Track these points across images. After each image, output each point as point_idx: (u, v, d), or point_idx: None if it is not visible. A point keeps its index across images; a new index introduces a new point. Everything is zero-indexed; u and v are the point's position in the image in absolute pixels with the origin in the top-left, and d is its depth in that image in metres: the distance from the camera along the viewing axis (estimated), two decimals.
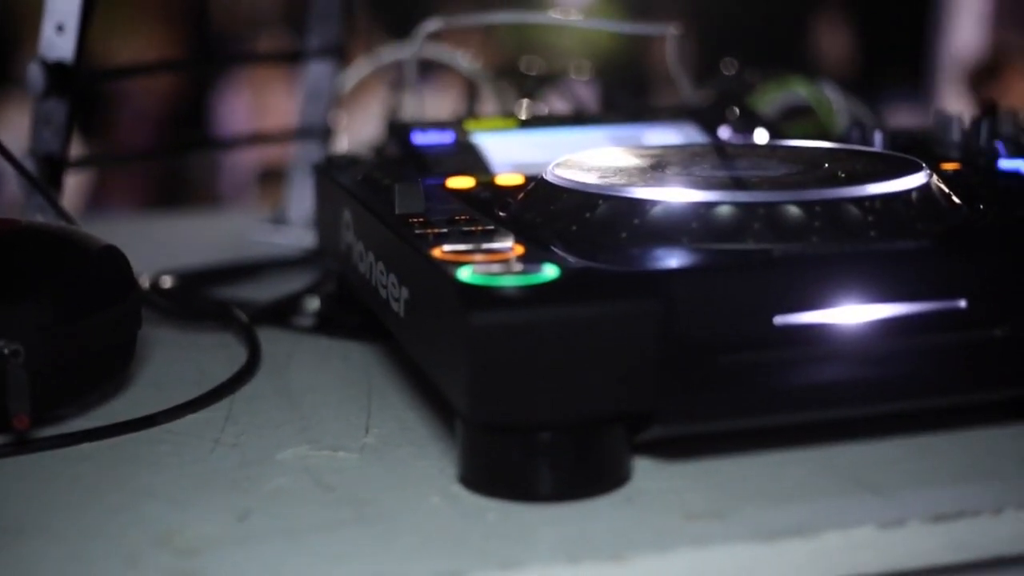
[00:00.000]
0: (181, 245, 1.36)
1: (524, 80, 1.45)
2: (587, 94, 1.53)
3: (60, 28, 1.03)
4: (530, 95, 1.43)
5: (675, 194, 0.73)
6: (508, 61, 1.57)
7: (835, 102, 1.27)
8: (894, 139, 1.01)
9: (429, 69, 1.46)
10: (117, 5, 4.05)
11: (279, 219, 1.37)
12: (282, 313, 1.00)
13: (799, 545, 0.62)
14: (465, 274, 0.65)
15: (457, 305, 0.63)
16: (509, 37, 3.27)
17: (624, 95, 1.44)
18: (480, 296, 0.63)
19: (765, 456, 0.71)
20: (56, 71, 1.03)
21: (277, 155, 1.41)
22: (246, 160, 3.53)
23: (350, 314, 0.97)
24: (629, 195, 0.74)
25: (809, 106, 1.28)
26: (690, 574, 0.61)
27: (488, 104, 1.37)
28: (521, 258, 0.68)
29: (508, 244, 0.71)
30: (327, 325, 0.98)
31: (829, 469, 0.69)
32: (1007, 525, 0.64)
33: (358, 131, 1.40)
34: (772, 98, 1.29)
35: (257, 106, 3.63)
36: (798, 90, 1.28)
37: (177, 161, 3.62)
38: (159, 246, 1.34)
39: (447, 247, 0.70)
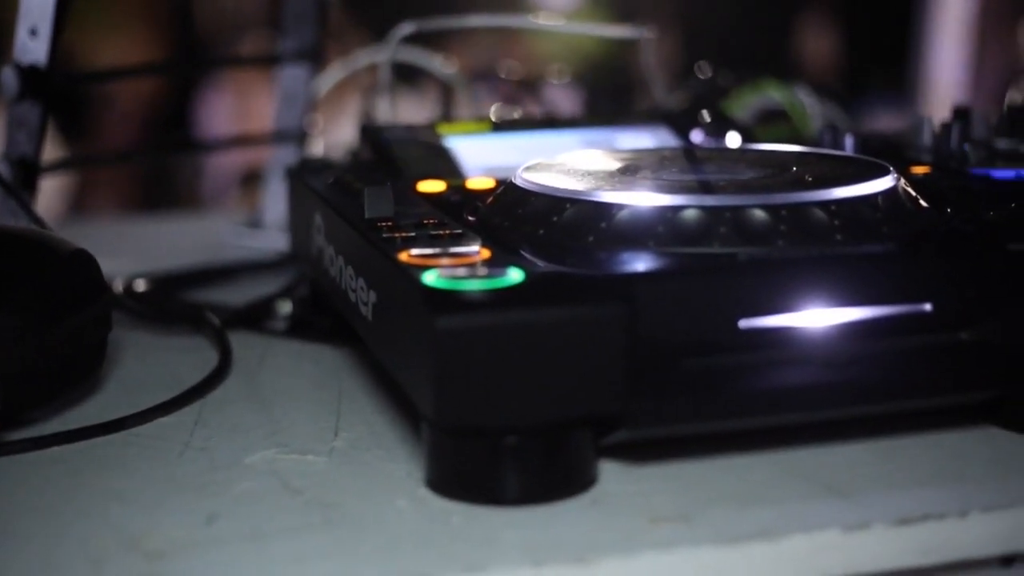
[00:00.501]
0: (158, 248, 1.35)
1: (502, 84, 1.45)
2: (566, 98, 1.54)
3: (33, 32, 1.03)
4: (509, 100, 1.43)
5: (641, 198, 0.73)
6: (489, 66, 1.57)
7: (809, 106, 1.27)
8: (866, 143, 1.01)
9: (413, 74, 1.46)
10: (101, 7, 4.05)
11: (255, 223, 1.37)
12: (255, 317, 1.00)
13: (764, 548, 0.62)
14: (430, 278, 0.65)
15: (422, 308, 0.63)
16: (493, 42, 3.27)
17: (607, 99, 1.45)
18: (444, 300, 0.63)
19: (732, 459, 0.71)
20: (30, 75, 1.03)
21: (260, 158, 1.42)
22: (229, 163, 3.53)
23: (323, 318, 0.97)
24: (596, 199, 0.74)
25: (783, 110, 1.28)
26: None
27: (465, 108, 1.38)
28: (487, 262, 0.68)
29: (475, 248, 0.71)
30: (300, 329, 0.98)
31: (795, 472, 0.69)
32: (973, 528, 0.64)
33: (336, 134, 1.40)
34: (747, 102, 1.29)
35: (240, 109, 3.62)
36: (772, 94, 1.29)
37: (153, 164, 3.61)
38: (136, 249, 1.34)
39: (414, 251, 0.70)
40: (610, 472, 0.69)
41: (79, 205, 3.61)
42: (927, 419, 0.75)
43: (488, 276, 0.65)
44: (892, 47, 4.49)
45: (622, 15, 3.91)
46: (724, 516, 0.64)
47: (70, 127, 3.65)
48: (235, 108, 3.61)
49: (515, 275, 0.66)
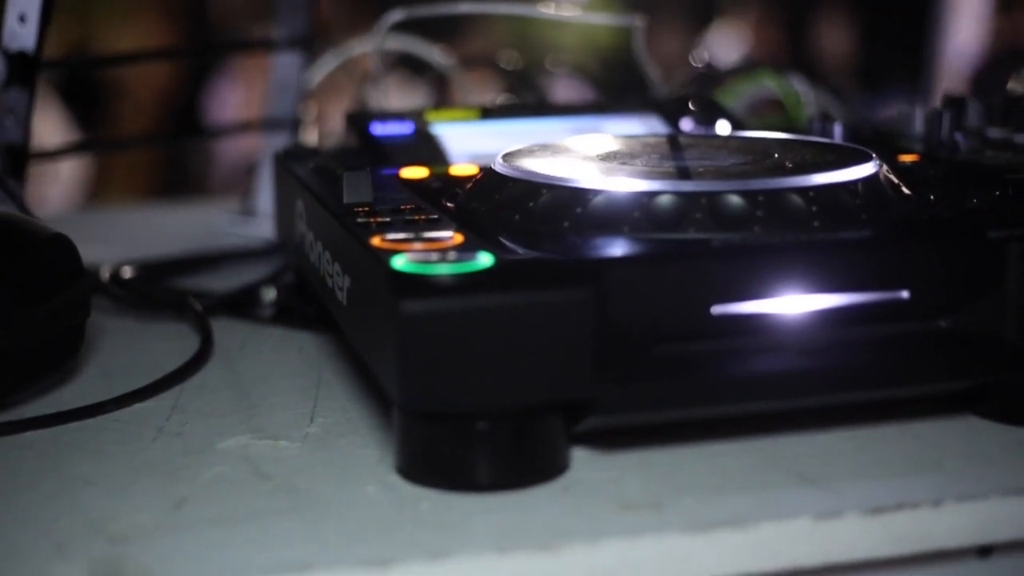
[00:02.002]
0: (152, 235, 1.35)
1: (501, 73, 1.45)
2: (568, 87, 1.53)
3: (22, 18, 1.02)
4: (508, 89, 1.43)
5: (617, 183, 0.73)
6: (490, 55, 1.57)
7: (804, 95, 1.26)
8: (857, 131, 1.01)
9: (419, 62, 1.46)
10: None
11: (247, 210, 1.36)
12: (239, 303, 1.00)
13: (733, 536, 0.61)
14: (399, 262, 0.65)
15: (388, 292, 0.62)
16: (507, 32, 3.27)
17: (616, 89, 1.44)
18: (411, 284, 0.63)
19: (707, 447, 0.70)
20: (18, 61, 1.02)
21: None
22: (240, 151, 3.53)
23: (307, 305, 0.97)
24: (571, 184, 0.74)
25: (778, 99, 1.27)
26: (621, 565, 0.60)
27: (462, 97, 1.37)
28: (458, 247, 0.68)
29: (447, 233, 0.70)
30: (284, 315, 0.98)
31: (770, 460, 0.69)
32: (946, 518, 0.64)
33: (333, 123, 1.39)
34: (742, 91, 1.28)
35: (251, 98, 3.62)
36: (767, 83, 1.28)
37: (152, 150, 3.63)
38: (131, 236, 1.34)
39: (388, 236, 0.70)
40: (583, 459, 0.69)
41: (96, 193, 3.62)
42: (905, 408, 0.74)
43: (457, 261, 0.65)
44: (909, 38, 4.47)
45: (636, 4, 3.90)
46: (695, 504, 0.64)
47: (85, 114, 3.66)
48: (246, 97, 3.61)
49: (485, 260, 0.65)
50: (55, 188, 3.23)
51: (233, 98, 3.74)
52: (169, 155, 3.81)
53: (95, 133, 3.65)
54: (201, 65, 3.76)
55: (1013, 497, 0.64)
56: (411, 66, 1.53)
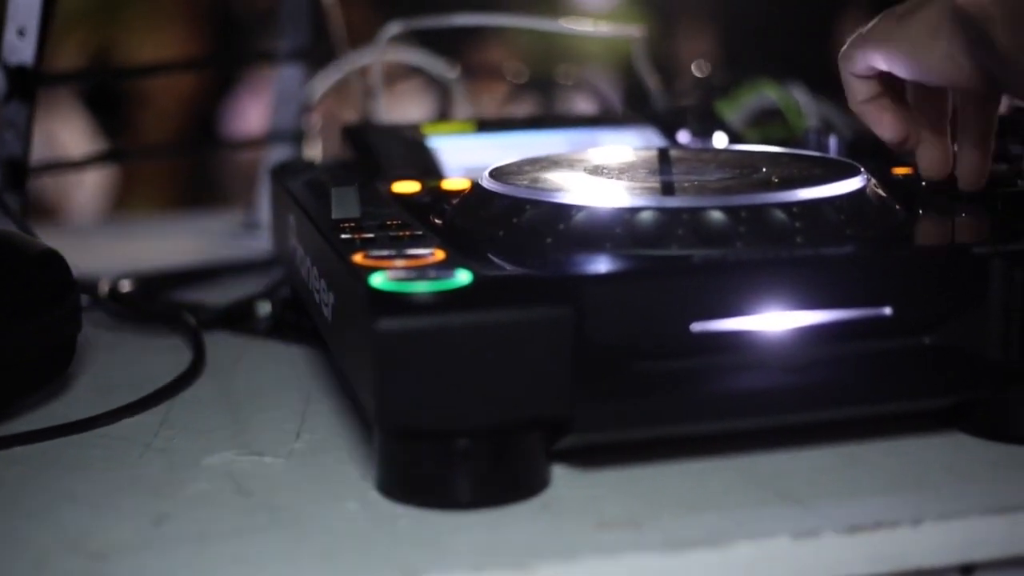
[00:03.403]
0: (159, 247, 1.36)
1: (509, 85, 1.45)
2: (578, 99, 1.53)
3: (21, 32, 1.03)
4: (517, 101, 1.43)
5: (600, 199, 0.73)
6: (497, 67, 1.57)
7: (805, 105, 1.26)
8: (854, 143, 1.00)
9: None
10: (141, 6, 4.07)
11: (250, 223, 1.37)
12: (234, 317, 1.00)
13: (709, 555, 0.61)
14: (377, 280, 0.65)
15: (366, 310, 0.62)
16: (521, 44, 3.27)
17: (634, 100, 1.44)
18: (388, 302, 0.63)
19: (688, 465, 0.70)
20: (17, 75, 1.03)
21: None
22: (259, 162, 3.53)
23: (303, 319, 0.97)
24: (554, 200, 0.74)
25: (779, 110, 1.27)
26: None
27: (471, 108, 1.37)
28: (438, 264, 0.68)
29: (428, 250, 0.70)
30: (279, 330, 0.98)
31: (750, 479, 0.68)
32: (926, 537, 0.63)
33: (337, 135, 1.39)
34: (743, 102, 1.28)
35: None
36: (768, 93, 1.28)
37: (166, 161, 3.64)
38: (140, 247, 1.35)
39: (371, 252, 0.70)
40: (563, 476, 0.69)
41: (120, 201, 3.64)
42: (887, 425, 0.74)
43: (436, 278, 0.65)
44: None
45: (661, 13, 3.90)
46: (673, 522, 0.64)
47: (109, 123, 3.67)
48: (266, 107, 3.62)
49: (463, 277, 0.65)
50: (79, 196, 3.25)
51: (254, 109, 3.75)
52: (191, 165, 3.83)
53: (119, 142, 3.66)
54: (224, 76, 3.76)
55: (995, 515, 0.64)
56: (424, 77, 1.53)
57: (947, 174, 0.84)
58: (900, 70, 0.79)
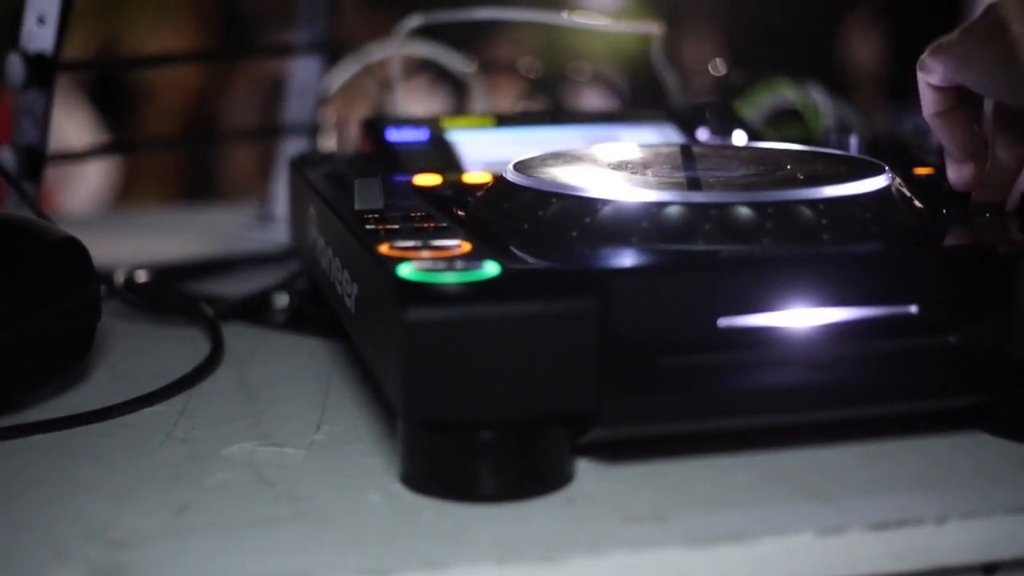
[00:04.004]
0: (172, 238, 1.35)
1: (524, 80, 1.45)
2: (591, 95, 1.53)
3: (41, 20, 1.03)
4: (531, 96, 1.43)
5: (626, 193, 0.72)
6: (512, 62, 1.57)
7: (822, 105, 1.26)
8: (874, 143, 1.00)
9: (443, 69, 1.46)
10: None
11: (265, 215, 1.36)
12: (252, 309, 1.00)
13: (734, 551, 0.61)
14: (405, 270, 0.65)
15: (394, 300, 0.62)
16: (533, 39, 3.27)
17: (643, 97, 1.44)
18: (416, 292, 0.62)
19: (712, 460, 0.70)
20: (36, 63, 1.02)
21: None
22: (266, 155, 3.53)
23: (320, 311, 0.96)
24: (581, 194, 0.74)
25: (797, 109, 1.27)
26: None
27: (485, 103, 1.37)
28: (465, 256, 0.68)
29: (455, 242, 0.70)
30: (296, 322, 0.98)
31: (775, 475, 0.68)
32: (950, 535, 0.63)
33: (353, 128, 1.39)
34: (760, 101, 1.28)
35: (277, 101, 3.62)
36: (786, 93, 1.28)
37: (170, 154, 3.64)
38: (152, 238, 1.35)
39: (396, 243, 0.70)
40: (588, 470, 0.69)
41: (123, 194, 3.64)
42: (912, 423, 0.73)
43: (464, 269, 0.65)
44: None
45: (664, 13, 3.89)
46: (698, 517, 0.63)
47: (112, 116, 3.67)
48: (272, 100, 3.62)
49: (491, 269, 0.65)
50: (82, 189, 3.24)
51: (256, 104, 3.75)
52: (192, 160, 3.83)
53: (122, 135, 3.66)
54: (229, 70, 3.76)
55: (1019, 515, 0.64)
56: (437, 72, 1.53)
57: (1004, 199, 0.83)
58: (979, 87, 0.79)
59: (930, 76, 0.81)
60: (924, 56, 0.82)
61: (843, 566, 0.62)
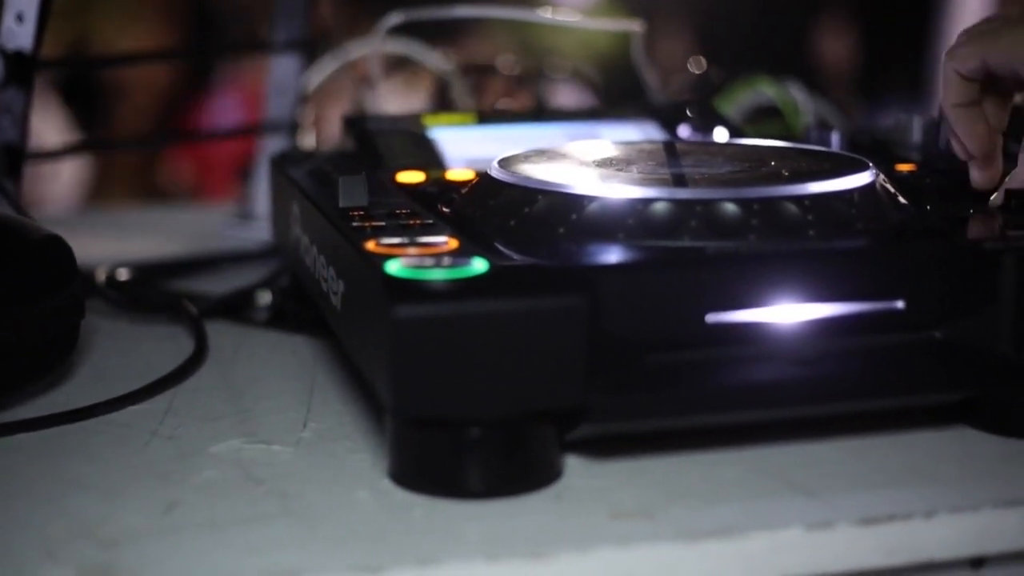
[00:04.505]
0: (149, 238, 1.35)
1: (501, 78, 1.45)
2: (567, 92, 1.53)
3: (19, 18, 1.02)
4: (509, 93, 1.43)
5: (612, 190, 0.73)
6: (489, 60, 1.56)
7: (801, 103, 1.26)
8: (855, 140, 1.00)
9: (417, 67, 1.46)
10: None
11: (245, 214, 1.36)
12: (234, 307, 1.00)
13: (724, 546, 0.61)
14: (393, 267, 0.65)
15: (382, 297, 0.62)
16: (508, 36, 3.27)
17: (617, 95, 1.44)
18: (405, 289, 0.62)
19: (700, 456, 0.70)
20: (15, 60, 1.02)
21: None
22: (238, 154, 3.52)
23: (303, 308, 0.96)
24: (567, 191, 0.74)
25: (776, 106, 1.27)
26: (610, 573, 0.60)
27: (461, 101, 1.37)
28: (453, 252, 0.68)
29: (442, 238, 0.70)
30: (280, 319, 0.98)
31: (763, 470, 0.68)
32: (938, 529, 0.63)
33: (331, 126, 1.39)
34: (740, 98, 1.28)
35: (251, 100, 3.62)
36: (765, 90, 1.28)
37: (147, 152, 3.63)
38: (130, 237, 1.34)
39: (382, 240, 0.70)
40: (576, 466, 0.69)
41: (95, 194, 3.62)
42: (898, 418, 0.74)
43: (452, 266, 0.65)
44: (911, 47, 4.48)
45: (637, 11, 3.90)
46: (687, 513, 0.64)
47: (84, 115, 3.66)
48: (245, 99, 3.61)
49: (479, 266, 0.65)
50: (55, 188, 3.23)
51: (232, 99, 3.74)
52: (166, 157, 3.82)
53: (94, 134, 3.65)
54: (201, 67, 3.76)
55: (1006, 509, 0.64)
56: (411, 69, 1.53)
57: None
58: (1010, 69, 0.79)
59: (960, 63, 0.81)
60: (954, 45, 0.82)
61: (832, 561, 0.62)
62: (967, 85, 0.82)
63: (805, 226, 0.71)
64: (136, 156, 3.77)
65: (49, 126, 3.12)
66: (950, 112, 0.83)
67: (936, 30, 4.52)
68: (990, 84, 0.82)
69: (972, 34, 0.81)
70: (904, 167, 0.91)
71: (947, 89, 0.83)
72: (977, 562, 0.66)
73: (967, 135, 0.83)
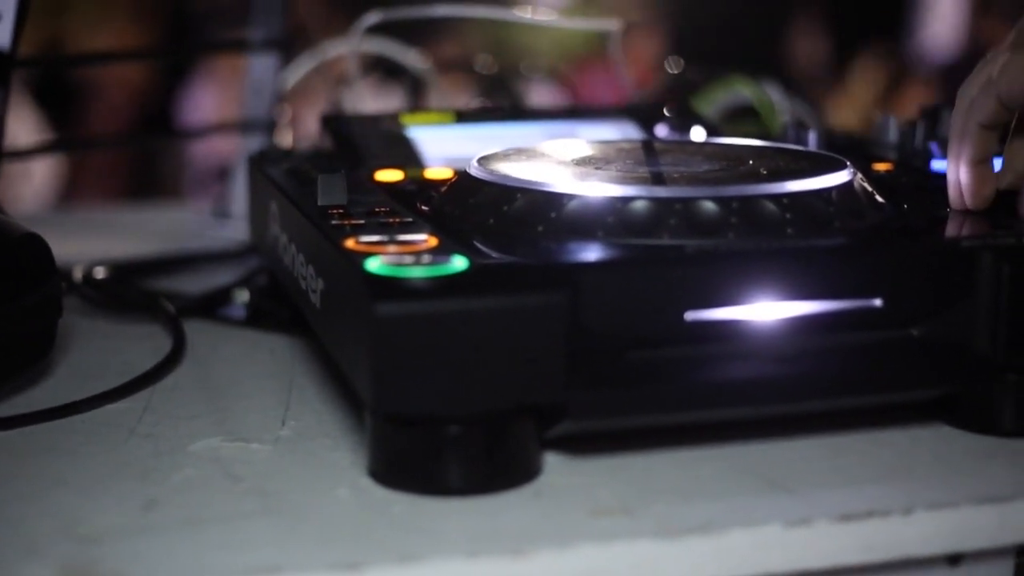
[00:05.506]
0: (125, 237, 1.35)
1: (477, 78, 1.45)
2: (543, 92, 1.53)
3: None
4: (485, 93, 1.43)
5: (591, 188, 0.73)
6: (465, 59, 1.57)
7: (778, 102, 1.27)
8: (831, 139, 1.01)
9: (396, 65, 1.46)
10: None
11: (222, 212, 1.36)
12: (212, 305, 1.00)
13: (703, 542, 0.61)
14: (374, 264, 0.65)
15: (363, 294, 0.62)
16: (484, 36, 3.27)
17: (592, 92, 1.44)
18: (385, 286, 0.63)
19: (680, 453, 0.70)
20: None
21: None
22: (213, 153, 3.52)
23: (280, 307, 0.96)
24: (545, 189, 0.74)
25: (753, 106, 1.27)
26: (591, 570, 0.60)
27: (437, 100, 1.37)
28: (433, 250, 0.68)
29: (422, 236, 0.70)
30: (257, 318, 0.98)
31: (742, 467, 0.69)
32: (917, 526, 0.64)
33: (308, 125, 1.39)
34: (716, 98, 1.28)
35: (226, 99, 3.62)
36: (741, 90, 1.28)
37: (123, 151, 3.62)
38: (103, 237, 1.34)
39: (362, 238, 0.70)
40: (555, 464, 0.69)
41: (68, 193, 3.62)
42: (876, 416, 0.74)
43: (432, 264, 0.65)
44: (884, 44, 4.49)
45: (612, 11, 3.90)
46: (666, 509, 0.64)
47: (58, 115, 3.65)
48: (220, 98, 3.60)
49: (459, 263, 0.65)
50: (28, 188, 3.22)
51: (207, 98, 3.73)
52: (141, 156, 3.81)
53: (68, 133, 3.64)
54: (175, 66, 3.75)
55: (983, 506, 0.64)
56: (387, 69, 1.53)
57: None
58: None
59: (983, 114, 0.78)
60: (973, 98, 0.78)
61: (811, 557, 0.63)
62: (991, 136, 0.79)
63: (783, 224, 0.71)
64: (111, 155, 3.76)
65: (22, 125, 3.11)
66: (975, 171, 0.79)
67: (910, 30, 4.54)
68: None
69: (994, 79, 0.77)
70: (881, 166, 0.91)
71: (969, 146, 0.79)
72: (955, 559, 0.66)
73: (975, 195, 0.80)
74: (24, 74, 3.19)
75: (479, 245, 0.71)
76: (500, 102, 1.40)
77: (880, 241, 0.73)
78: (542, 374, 0.63)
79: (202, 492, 0.66)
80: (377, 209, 0.77)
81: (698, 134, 1.04)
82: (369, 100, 1.31)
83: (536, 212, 0.73)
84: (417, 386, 0.62)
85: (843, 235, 0.73)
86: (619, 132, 1.05)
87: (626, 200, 0.71)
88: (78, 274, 1.04)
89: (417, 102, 1.36)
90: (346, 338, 0.68)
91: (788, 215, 0.72)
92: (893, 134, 1.00)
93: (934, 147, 0.94)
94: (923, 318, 0.71)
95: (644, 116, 1.08)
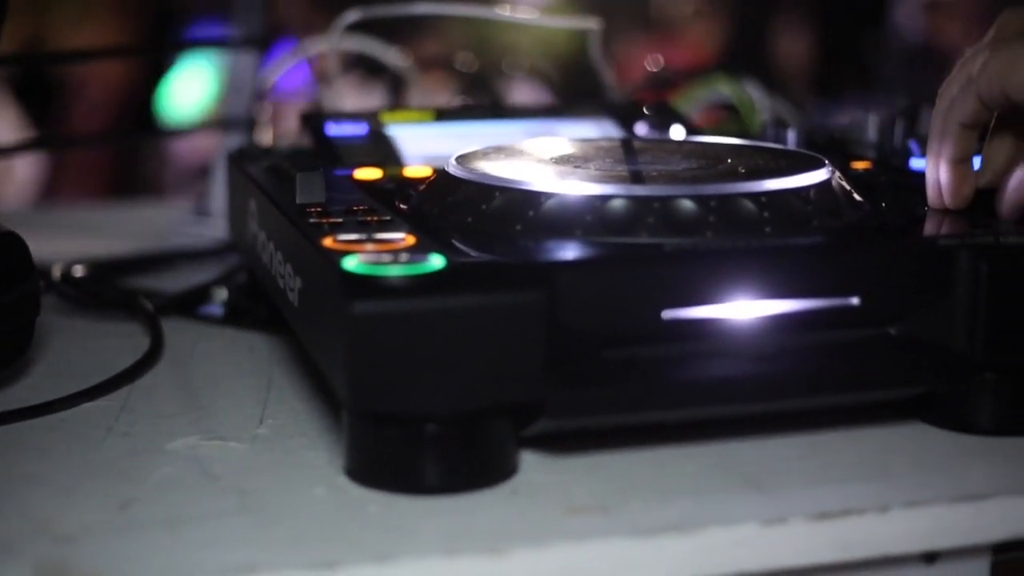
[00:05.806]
0: (104, 234, 1.34)
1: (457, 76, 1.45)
2: (525, 90, 1.53)
3: None
4: (466, 91, 1.43)
5: (570, 187, 0.73)
6: (446, 57, 1.57)
7: (758, 101, 1.27)
8: (811, 138, 1.01)
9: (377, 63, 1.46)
10: None
11: (202, 210, 1.36)
12: (190, 303, 0.99)
13: (679, 541, 0.61)
14: (351, 263, 0.65)
15: (340, 293, 0.62)
16: (464, 34, 3.27)
17: (572, 93, 1.44)
18: (362, 284, 0.63)
19: (656, 452, 0.70)
20: None
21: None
22: (196, 152, 3.52)
23: (259, 305, 0.96)
24: (524, 187, 0.74)
25: (733, 104, 1.28)
26: (567, 568, 0.60)
27: (418, 98, 1.37)
28: (411, 248, 0.68)
29: (400, 235, 0.70)
30: (236, 316, 0.97)
31: (718, 466, 0.69)
32: (893, 524, 0.64)
33: (288, 123, 1.39)
34: (696, 96, 1.28)
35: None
36: (721, 89, 1.28)
37: (104, 149, 3.62)
38: (83, 235, 1.33)
39: (340, 236, 0.70)
40: (532, 462, 0.69)
41: (50, 192, 3.61)
42: (853, 414, 0.74)
43: (409, 262, 0.65)
44: (866, 45, 4.50)
45: (595, 10, 3.90)
46: (642, 508, 0.64)
47: (39, 113, 3.64)
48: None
49: (437, 262, 0.65)
50: (9, 186, 3.22)
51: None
52: (122, 154, 3.80)
53: (49, 131, 3.63)
54: (157, 64, 3.74)
55: (959, 504, 0.65)
56: (367, 67, 1.53)
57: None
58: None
59: (964, 114, 0.78)
60: (953, 97, 0.78)
61: (787, 556, 0.63)
62: (971, 135, 0.79)
63: (761, 223, 0.71)
64: (93, 153, 3.75)
65: (3, 123, 3.11)
66: (955, 170, 0.79)
67: (890, 28, 4.54)
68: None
69: (974, 77, 0.76)
70: (860, 165, 0.92)
71: (949, 145, 0.79)
72: (930, 557, 0.66)
73: (954, 194, 0.80)
74: (5, 72, 3.19)
75: (457, 244, 0.71)
76: (481, 100, 1.40)
77: (858, 240, 0.73)
78: (519, 373, 0.63)
79: (180, 491, 0.66)
80: (355, 207, 0.77)
81: (677, 132, 1.04)
82: (350, 98, 1.31)
83: (514, 211, 0.73)
84: (394, 385, 0.62)
85: (821, 234, 0.73)
86: (599, 130, 1.05)
87: (604, 199, 0.71)
88: (57, 272, 1.03)
89: (398, 100, 1.36)
90: (323, 336, 0.68)
91: (766, 214, 0.72)
92: (872, 132, 1.00)
93: (913, 145, 0.94)
94: (901, 317, 0.71)
95: (624, 114, 1.08)
